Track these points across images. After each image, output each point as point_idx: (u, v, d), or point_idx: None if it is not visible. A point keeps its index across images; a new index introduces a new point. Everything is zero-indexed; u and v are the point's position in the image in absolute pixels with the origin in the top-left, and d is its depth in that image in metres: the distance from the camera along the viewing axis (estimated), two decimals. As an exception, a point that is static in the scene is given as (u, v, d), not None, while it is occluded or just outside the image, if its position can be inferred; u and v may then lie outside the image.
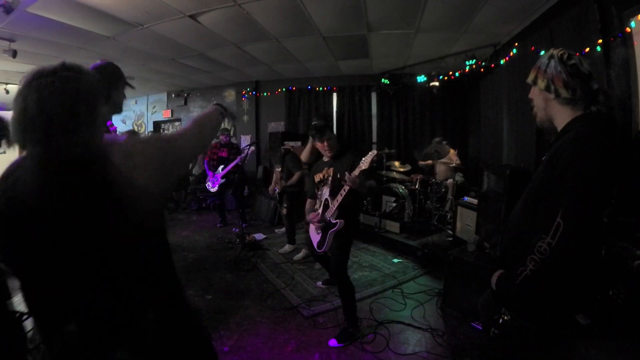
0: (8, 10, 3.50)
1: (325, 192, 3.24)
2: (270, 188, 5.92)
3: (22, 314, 2.69)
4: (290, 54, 6.75)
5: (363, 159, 2.87)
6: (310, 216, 3.32)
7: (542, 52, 4.08)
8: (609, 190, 1.31)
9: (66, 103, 1.02)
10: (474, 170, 6.95)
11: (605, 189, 1.28)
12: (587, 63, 1.42)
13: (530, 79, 1.54)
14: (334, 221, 3.07)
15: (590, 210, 1.24)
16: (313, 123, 3.47)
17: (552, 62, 1.43)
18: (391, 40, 5.88)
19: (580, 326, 1.42)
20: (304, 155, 5.37)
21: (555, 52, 1.44)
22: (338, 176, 3.14)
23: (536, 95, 1.53)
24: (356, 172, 2.84)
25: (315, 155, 5.28)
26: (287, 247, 5.48)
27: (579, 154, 1.26)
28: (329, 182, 3.23)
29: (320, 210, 3.24)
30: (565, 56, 1.41)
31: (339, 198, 3.01)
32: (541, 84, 1.47)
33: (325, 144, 3.27)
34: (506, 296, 1.47)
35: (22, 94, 1.02)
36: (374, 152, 2.91)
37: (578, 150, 1.27)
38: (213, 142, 8.06)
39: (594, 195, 1.24)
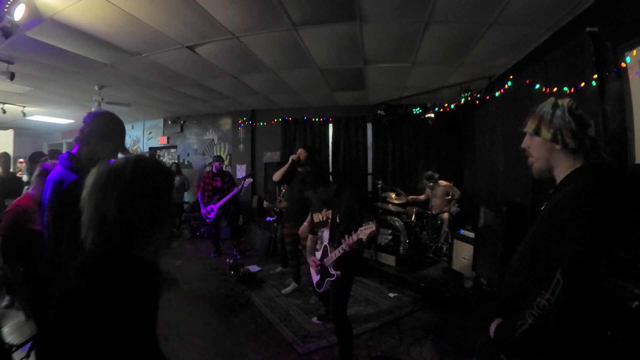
0: (7, 34, 3.50)
1: (326, 235, 3.17)
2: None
3: (11, 345, 2.59)
4: (286, 85, 6.81)
5: (362, 229, 2.67)
6: (310, 261, 3.28)
7: (537, 86, 4.17)
8: (609, 244, 1.31)
9: (147, 211, 1.08)
10: (469, 203, 6.92)
11: (605, 244, 1.28)
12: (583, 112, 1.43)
13: (530, 129, 1.50)
14: (331, 272, 2.98)
15: (591, 268, 1.24)
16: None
17: (559, 112, 1.41)
18: (387, 73, 5.96)
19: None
20: (277, 175, 5.26)
21: (562, 101, 1.43)
22: (337, 220, 3.08)
23: (538, 145, 1.49)
24: (354, 237, 2.71)
25: (287, 177, 5.20)
26: (291, 288, 5.14)
27: (580, 209, 1.26)
28: (329, 224, 3.16)
29: (320, 253, 3.18)
30: (574, 106, 1.41)
31: (340, 251, 2.89)
32: (546, 134, 1.43)
33: (329, 212, 3.17)
34: (505, 346, 1.45)
35: (101, 193, 1.05)
36: (373, 228, 2.65)
37: (578, 206, 1.26)
38: (205, 172, 8.04)
39: (594, 253, 1.24)
